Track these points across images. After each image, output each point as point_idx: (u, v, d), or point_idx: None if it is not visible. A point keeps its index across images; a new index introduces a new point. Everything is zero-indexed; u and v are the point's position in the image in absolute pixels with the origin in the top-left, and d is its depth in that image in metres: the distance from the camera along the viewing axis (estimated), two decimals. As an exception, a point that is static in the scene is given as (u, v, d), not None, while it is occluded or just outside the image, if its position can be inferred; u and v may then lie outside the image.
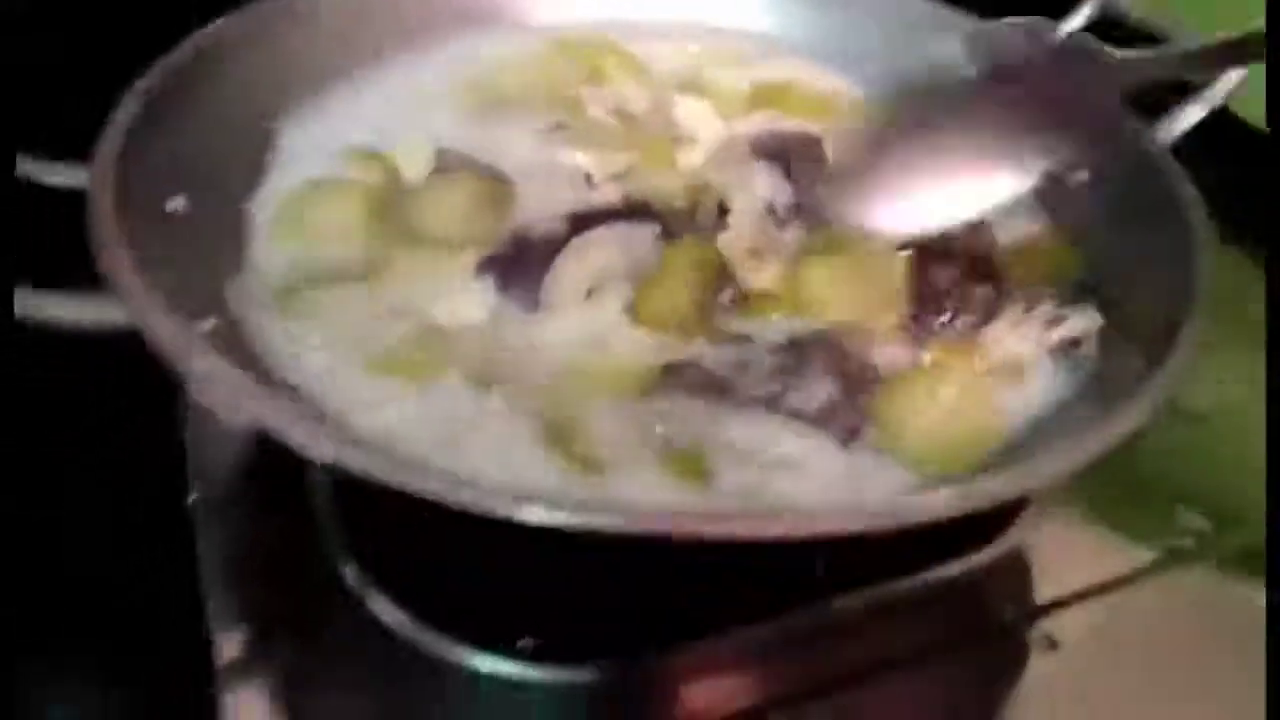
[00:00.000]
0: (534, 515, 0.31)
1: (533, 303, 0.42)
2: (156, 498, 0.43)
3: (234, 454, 0.45)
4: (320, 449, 0.31)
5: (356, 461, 0.31)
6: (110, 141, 0.38)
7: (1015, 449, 0.39)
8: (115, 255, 0.33)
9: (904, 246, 0.45)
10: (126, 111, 0.40)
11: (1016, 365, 0.42)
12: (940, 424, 0.39)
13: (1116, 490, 0.47)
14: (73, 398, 0.48)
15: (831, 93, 0.57)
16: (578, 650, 0.39)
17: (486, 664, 0.39)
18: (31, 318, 0.33)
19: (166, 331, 0.32)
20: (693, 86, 0.56)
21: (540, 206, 0.46)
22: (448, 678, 0.39)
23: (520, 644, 0.39)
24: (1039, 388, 0.42)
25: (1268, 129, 0.39)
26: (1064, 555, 0.46)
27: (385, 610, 0.40)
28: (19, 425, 0.47)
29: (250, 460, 0.45)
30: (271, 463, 0.44)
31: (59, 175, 0.39)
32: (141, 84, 0.42)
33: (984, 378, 0.41)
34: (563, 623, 0.40)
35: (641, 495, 0.37)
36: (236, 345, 0.37)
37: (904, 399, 0.39)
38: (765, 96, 0.56)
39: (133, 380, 0.47)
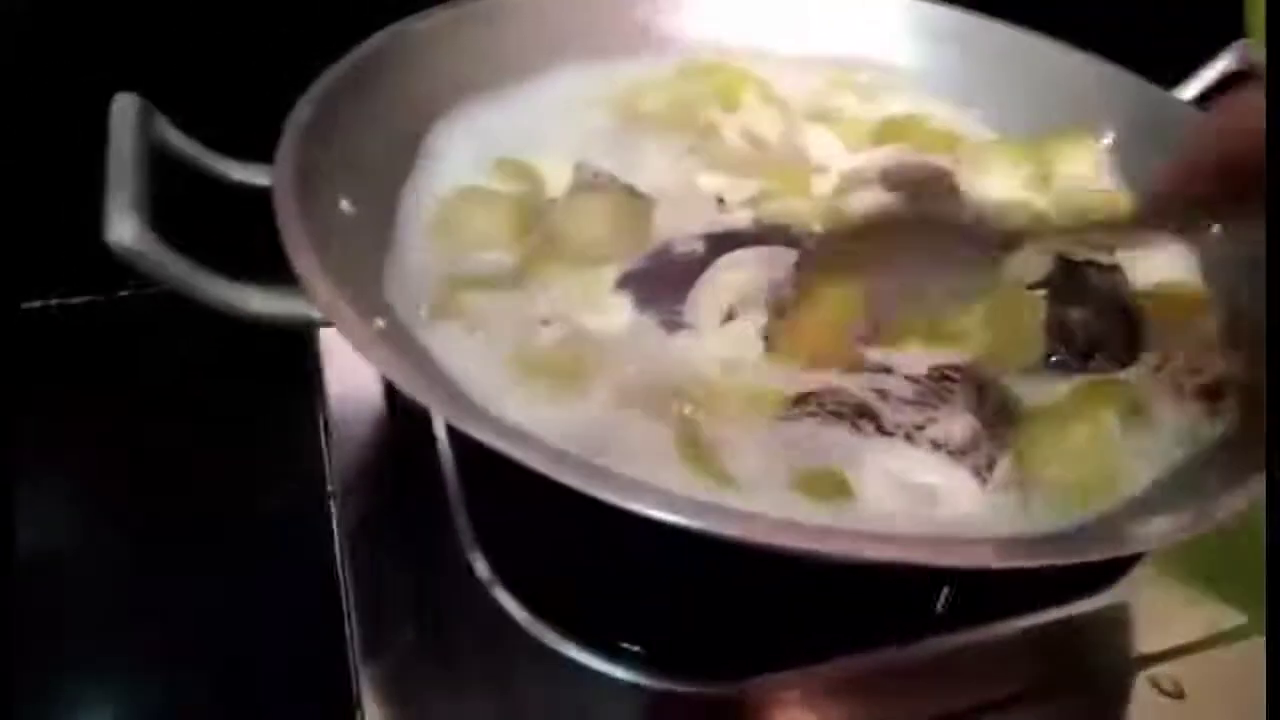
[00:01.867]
0: (650, 509, 0.31)
1: (670, 319, 0.43)
2: (299, 488, 0.45)
3: (372, 447, 0.47)
4: (482, 434, 0.32)
5: (504, 446, 0.32)
6: (290, 142, 0.40)
7: (1148, 499, 0.39)
8: (307, 257, 0.35)
9: (1038, 285, 0.45)
10: (305, 110, 0.42)
11: (1151, 410, 0.42)
12: (1074, 466, 0.39)
13: (1233, 542, 0.46)
14: (223, 389, 0.50)
15: (957, 128, 0.58)
16: (686, 662, 0.40)
17: (595, 663, 0.40)
18: (227, 309, 0.34)
19: (360, 334, 0.34)
20: (821, 116, 0.57)
21: (677, 225, 0.48)
22: (560, 672, 0.40)
23: (629, 648, 0.40)
24: (1174, 435, 0.42)
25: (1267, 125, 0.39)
26: (1171, 608, 0.46)
27: (509, 602, 0.41)
28: (167, 413, 0.50)
29: (388, 454, 0.47)
30: (408, 456, 0.46)
31: (241, 173, 0.41)
32: (315, 89, 0.44)
33: (1118, 422, 0.41)
34: (676, 633, 0.41)
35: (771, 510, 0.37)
36: (405, 342, 0.39)
37: (1040, 439, 0.40)
38: (892, 129, 0.56)
39: (278, 373, 0.50)
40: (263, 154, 0.41)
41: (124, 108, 0.37)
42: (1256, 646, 0.45)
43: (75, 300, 0.57)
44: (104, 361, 0.53)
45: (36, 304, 0.56)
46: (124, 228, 0.33)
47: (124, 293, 0.56)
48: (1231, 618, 0.46)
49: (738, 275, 0.44)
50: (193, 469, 0.47)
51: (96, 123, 0.38)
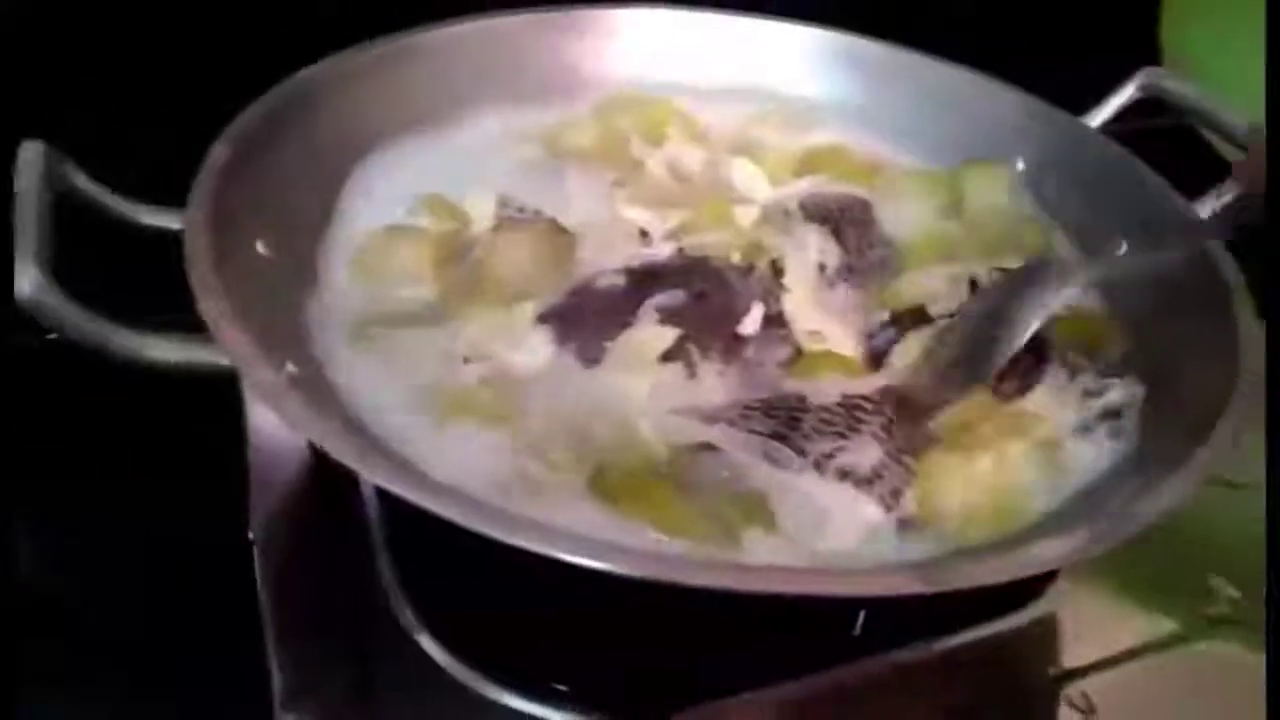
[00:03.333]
0: (565, 555, 0.31)
1: (591, 355, 0.44)
2: (218, 532, 0.45)
3: (294, 493, 0.47)
4: (394, 487, 0.32)
5: (420, 499, 0.32)
6: (205, 185, 0.40)
7: (1055, 518, 0.40)
8: (213, 303, 0.35)
9: (952, 313, 0.46)
10: (220, 153, 0.42)
11: (1055, 435, 0.43)
12: (975, 495, 0.40)
13: (1150, 557, 0.48)
14: (139, 431, 0.50)
15: (877, 158, 0.59)
16: (612, 699, 0.40)
17: (524, 706, 0.40)
18: (128, 358, 0.34)
19: (263, 379, 0.34)
20: (744, 149, 0.58)
21: (600, 259, 0.48)
22: (488, 716, 0.40)
23: (557, 689, 0.40)
24: (1078, 458, 0.43)
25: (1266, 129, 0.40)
26: (1097, 621, 0.47)
27: (433, 648, 0.41)
28: (82, 455, 0.49)
29: (310, 498, 0.47)
30: (331, 501, 0.46)
31: (151, 217, 0.41)
32: (234, 126, 0.44)
33: (1021, 450, 0.42)
34: (601, 672, 0.41)
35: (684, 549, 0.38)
36: (317, 386, 0.39)
37: (946, 468, 0.40)
38: (814, 160, 0.57)
39: (195, 415, 0.49)
40: (179, 199, 0.41)
41: (30, 157, 0.37)
42: (1183, 656, 0.46)
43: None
44: (36, 402, 0.52)
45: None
46: (25, 279, 0.33)
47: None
48: (1160, 627, 0.47)
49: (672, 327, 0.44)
50: (113, 509, 0.47)
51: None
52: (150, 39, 0.55)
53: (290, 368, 0.37)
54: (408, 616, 0.42)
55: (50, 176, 0.37)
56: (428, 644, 0.41)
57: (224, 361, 0.35)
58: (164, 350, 0.35)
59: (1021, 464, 0.40)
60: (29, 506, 0.47)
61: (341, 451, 0.32)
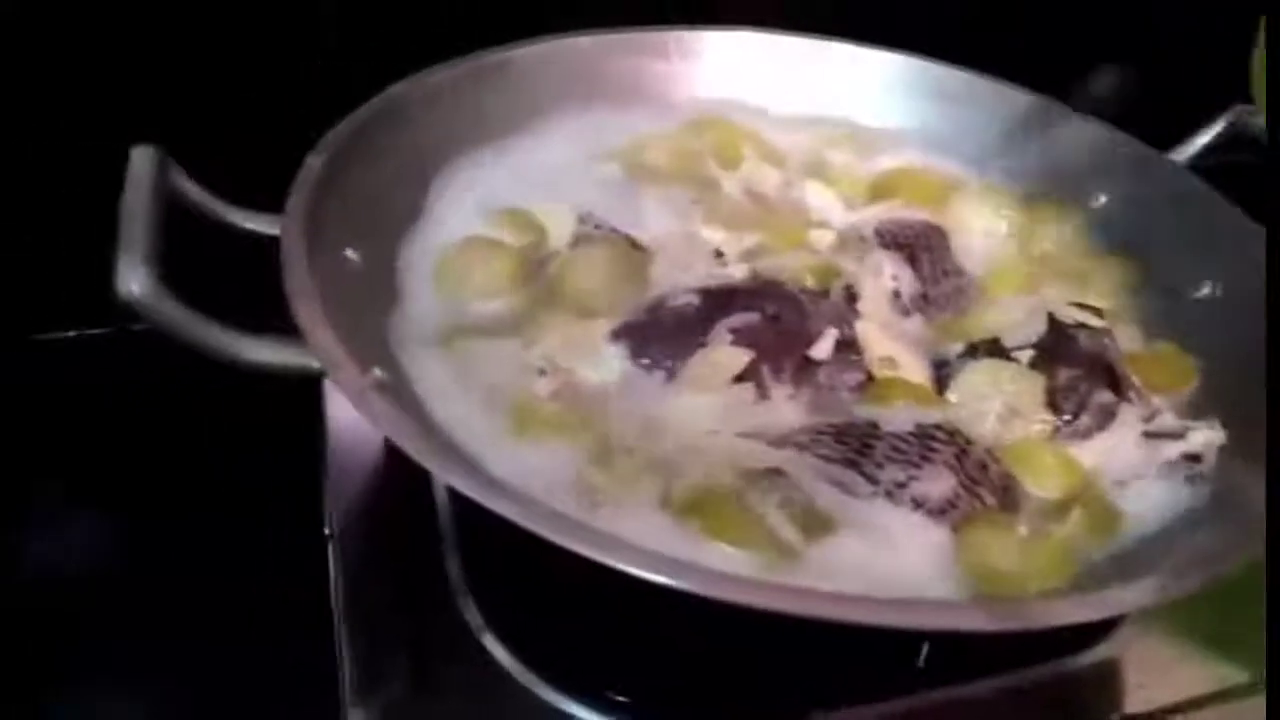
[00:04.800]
0: (632, 568, 0.32)
1: (664, 373, 0.44)
2: (296, 529, 0.46)
3: (370, 491, 0.48)
4: (467, 489, 0.33)
5: (492, 503, 0.33)
6: (300, 194, 0.42)
7: (1122, 563, 0.40)
8: (308, 308, 0.36)
9: (1030, 345, 0.46)
10: (315, 164, 0.44)
11: (1111, 491, 0.43)
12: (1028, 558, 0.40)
13: (1217, 605, 0.47)
14: (223, 429, 0.51)
15: (951, 182, 0.59)
16: (672, 714, 0.41)
17: (583, 713, 0.40)
18: (227, 358, 0.36)
19: (350, 382, 0.35)
20: (818, 172, 0.58)
21: (674, 278, 0.49)
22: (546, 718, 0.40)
23: (617, 699, 0.40)
24: (1155, 500, 0.42)
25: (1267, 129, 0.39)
26: (1163, 666, 0.46)
27: (498, 650, 0.42)
28: (167, 453, 0.51)
29: (385, 498, 0.48)
30: (405, 502, 0.47)
31: (250, 222, 0.42)
32: (328, 138, 0.46)
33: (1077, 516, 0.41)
34: (662, 685, 0.42)
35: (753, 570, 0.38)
36: (400, 391, 0.40)
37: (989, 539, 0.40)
38: (889, 185, 0.58)
39: (278, 416, 0.51)
40: (275, 206, 0.42)
41: (141, 160, 0.39)
42: (1251, 707, 0.45)
43: (89, 333, 0.58)
44: (111, 395, 0.54)
45: (48, 335, 0.58)
46: (132, 280, 0.34)
47: (137, 327, 0.58)
48: (1232, 675, 0.46)
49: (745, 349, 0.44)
50: (194, 506, 0.48)
51: (115, 167, 0.39)
52: (253, 53, 0.57)
53: (376, 372, 0.38)
54: (474, 617, 0.42)
55: (158, 180, 0.39)
56: (492, 645, 0.42)
57: (315, 364, 0.36)
58: (260, 352, 0.36)
59: (1075, 528, 0.40)
60: (111, 498, 0.49)
61: (420, 453, 0.33)
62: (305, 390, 0.51)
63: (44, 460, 0.51)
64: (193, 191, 0.41)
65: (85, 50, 0.54)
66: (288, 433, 0.50)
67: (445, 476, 0.33)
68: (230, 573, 0.46)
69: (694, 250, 0.51)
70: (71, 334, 0.58)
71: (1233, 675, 0.46)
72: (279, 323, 0.38)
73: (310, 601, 0.43)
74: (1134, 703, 0.45)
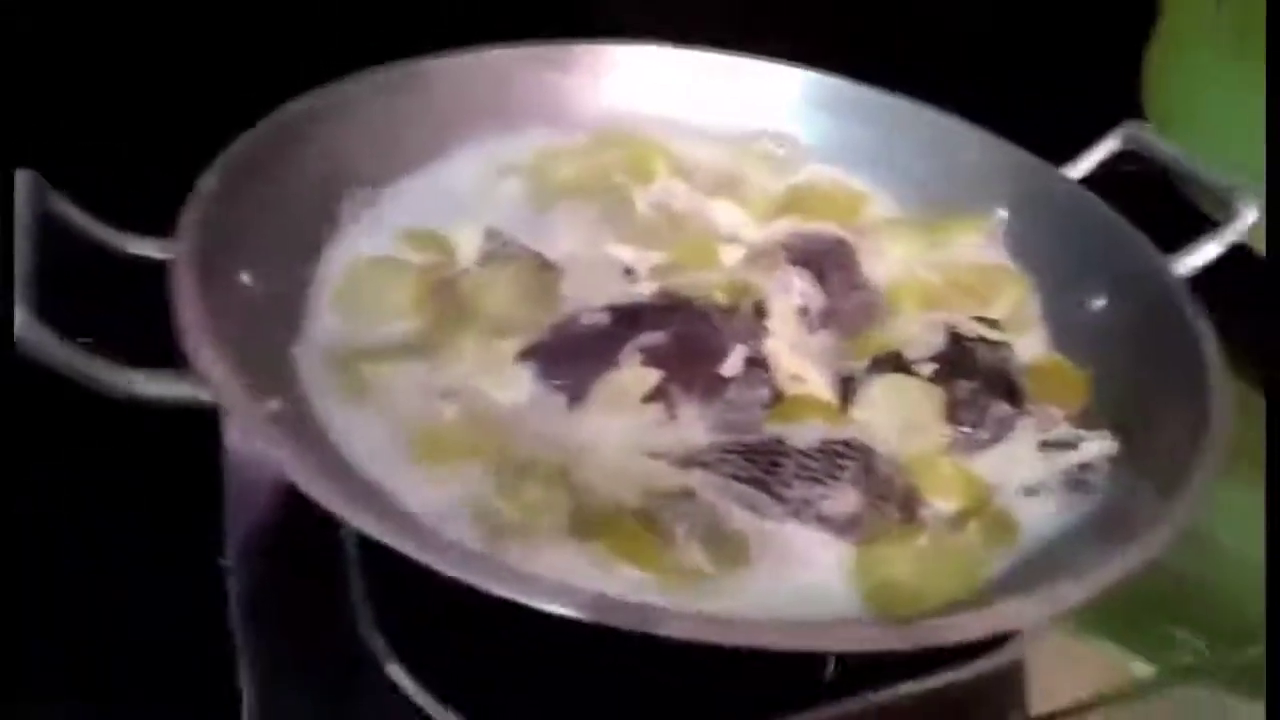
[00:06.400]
0: (542, 603, 0.32)
1: (573, 393, 0.44)
2: (193, 557, 0.45)
3: (270, 521, 0.47)
4: (373, 531, 0.33)
5: (394, 539, 0.33)
6: (191, 216, 0.41)
7: (1018, 576, 0.41)
8: (198, 339, 0.35)
9: (929, 359, 0.47)
10: (208, 184, 0.43)
11: (1010, 502, 0.44)
12: (925, 567, 0.40)
13: (1115, 608, 0.48)
14: (113, 455, 0.50)
15: (859, 199, 0.60)
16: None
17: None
18: (116, 393, 0.34)
19: (245, 416, 0.34)
20: (729, 187, 0.59)
21: (584, 295, 0.49)
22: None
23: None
24: (1051, 509, 0.43)
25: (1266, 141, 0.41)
26: (1062, 669, 0.47)
27: (403, 679, 0.41)
28: (58, 481, 0.49)
29: (286, 528, 0.47)
30: (306, 531, 0.46)
31: (139, 246, 0.41)
32: (222, 158, 0.44)
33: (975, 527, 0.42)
34: (568, 714, 0.42)
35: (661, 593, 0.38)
36: (300, 422, 0.39)
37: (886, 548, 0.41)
38: (797, 200, 0.58)
39: (173, 441, 0.49)
40: (167, 230, 0.41)
41: (19, 186, 0.37)
42: (1155, 703, 0.47)
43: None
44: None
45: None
46: (17, 318, 0.33)
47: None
48: (1130, 674, 0.48)
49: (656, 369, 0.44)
50: (82, 536, 0.47)
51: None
52: (140, 68, 0.55)
53: (273, 404, 0.37)
54: (380, 647, 0.42)
55: (37, 206, 0.37)
56: (398, 675, 0.41)
57: (207, 397, 0.35)
58: (152, 386, 0.35)
59: (974, 538, 0.41)
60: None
61: (318, 491, 0.33)
62: (191, 418, 0.50)
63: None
64: (76, 218, 0.40)
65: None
66: (175, 459, 0.49)
67: (344, 514, 0.33)
68: (121, 605, 0.44)
69: (604, 268, 0.51)
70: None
71: (1135, 673, 0.47)
72: (173, 351, 0.37)
73: (208, 633, 0.42)
74: (1040, 703, 0.46)
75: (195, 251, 0.40)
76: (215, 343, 0.36)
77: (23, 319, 0.33)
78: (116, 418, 0.49)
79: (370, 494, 0.38)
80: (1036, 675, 0.47)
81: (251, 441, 0.34)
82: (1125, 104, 0.71)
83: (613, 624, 0.32)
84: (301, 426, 0.39)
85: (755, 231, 0.56)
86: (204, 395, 0.35)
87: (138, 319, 0.37)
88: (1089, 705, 0.46)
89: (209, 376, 0.35)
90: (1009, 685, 0.47)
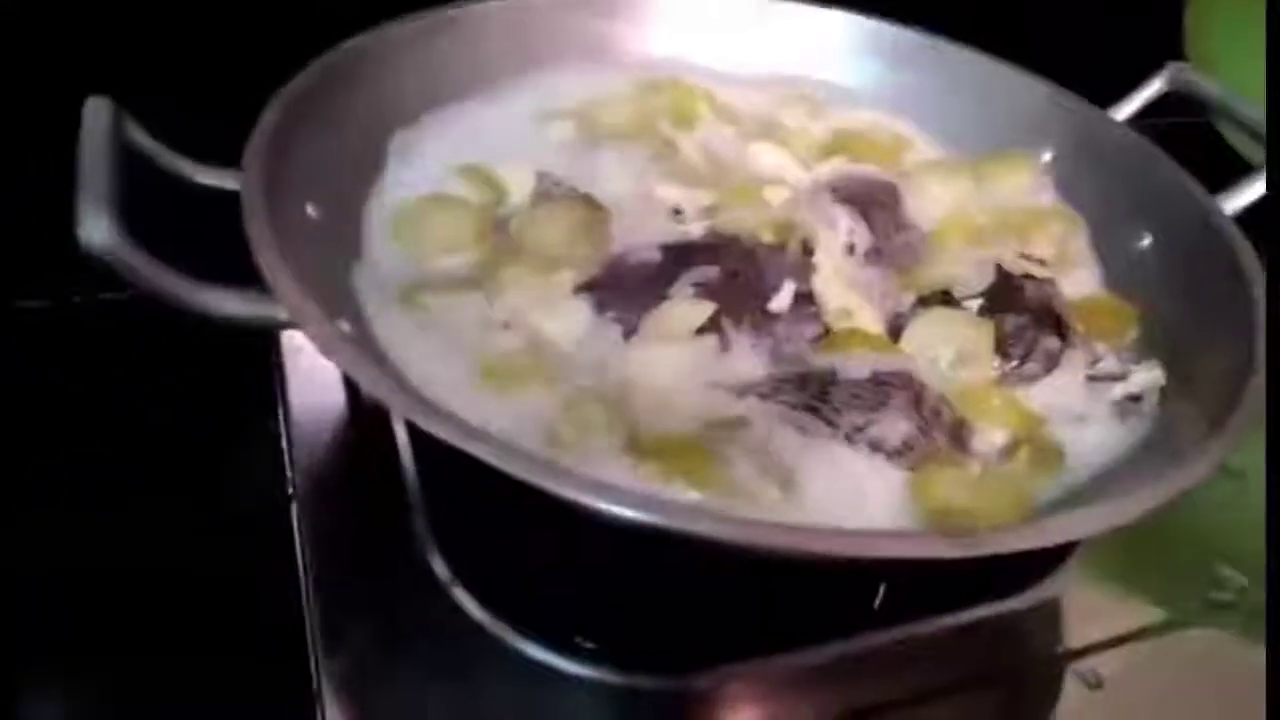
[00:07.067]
0: (604, 503, 0.32)
1: (628, 326, 0.45)
2: (260, 491, 0.46)
3: (334, 452, 0.48)
4: (448, 434, 0.33)
5: (475, 447, 0.33)
6: (258, 148, 0.41)
7: (1075, 497, 0.41)
8: (274, 261, 0.36)
9: (978, 294, 0.48)
10: (270, 119, 0.43)
11: (1061, 432, 0.44)
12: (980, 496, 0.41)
13: (1156, 545, 0.49)
14: (179, 389, 0.51)
15: (902, 141, 0.60)
16: (635, 657, 0.42)
17: (550, 658, 0.41)
18: (198, 311, 0.35)
19: (323, 335, 0.35)
20: (773, 131, 0.59)
21: (633, 236, 0.49)
22: (518, 668, 0.41)
23: (583, 644, 0.41)
24: (1100, 439, 0.44)
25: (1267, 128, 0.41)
26: (1103, 605, 0.48)
27: (465, 600, 0.42)
28: (123, 417, 0.50)
29: (350, 458, 0.48)
30: (370, 461, 0.47)
31: (207, 176, 0.42)
32: (281, 95, 0.45)
33: (1024, 455, 0.43)
34: (630, 630, 0.43)
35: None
36: (366, 345, 0.40)
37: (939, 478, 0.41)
38: (840, 143, 0.59)
39: (235, 374, 0.50)
40: (225, 158, 0.42)
41: (96, 111, 0.38)
42: (1177, 641, 0.47)
43: (29, 305, 0.57)
44: (59, 367, 0.53)
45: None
46: (97, 229, 0.34)
47: (77, 298, 0.56)
48: (1156, 615, 0.48)
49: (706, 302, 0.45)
50: (155, 471, 0.48)
51: (67, 125, 0.39)
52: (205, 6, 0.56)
53: (343, 325, 0.38)
54: (442, 570, 0.43)
55: (115, 132, 0.38)
56: (462, 598, 0.42)
57: (281, 316, 0.36)
58: (227, 304, 0.36)
59: (1023, 466, 0.42)
60: (70, 468, 0.48)
61: (396, 401, 0.33)
62: (256, 353, 0.51)
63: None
64: (148, 145, 0.41)
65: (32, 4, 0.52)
66: (241, 393, 0.50)
67: (424, 422, 0.33)
68: (192, 537, 0.46)
69: (652, 208, 0.52)
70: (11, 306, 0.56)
71: (1167, 611, 0.48)
72: (233, 277, 0.38)
73: (275, 563, 0.44)
74: (1077, 638, 0.47)
75: (262, 183, 0.40)
76: (291, 270, 0.36)
77: (110, 236, 0.34)
78: (168, 361, 0.51)
79: (438, 409, 0.38)
80: (1075, 613, 0.47)
81: (328, 357, 0.34)
82: (1170, 47, 0.70)
83: (677, 529, 0.33)
84: (367, 349, 0.40)
85: (799, 174, 0.56)
86: (277, 314, 0.36)
87: (202, 247, 0.38)
88: (1122, 640, 0.47)
89: (284, 295, 0.35)
90: (1048, 620, 0.48)
